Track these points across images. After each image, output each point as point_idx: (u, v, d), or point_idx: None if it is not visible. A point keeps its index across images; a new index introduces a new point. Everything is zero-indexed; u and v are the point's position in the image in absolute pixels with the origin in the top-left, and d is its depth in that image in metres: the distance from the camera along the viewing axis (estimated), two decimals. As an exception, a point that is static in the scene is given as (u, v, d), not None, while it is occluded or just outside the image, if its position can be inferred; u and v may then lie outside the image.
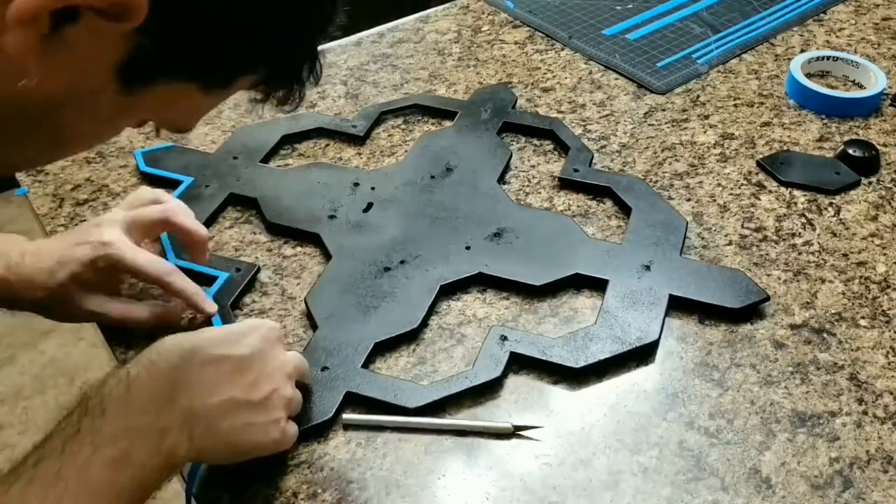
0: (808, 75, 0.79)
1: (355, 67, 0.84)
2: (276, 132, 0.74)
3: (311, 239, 0.64)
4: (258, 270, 0.61)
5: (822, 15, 0.90)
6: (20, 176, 0.72)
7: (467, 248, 0.62)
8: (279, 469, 0.49)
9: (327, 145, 0.74)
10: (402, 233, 0.63)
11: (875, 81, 0.77)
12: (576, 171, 0.69)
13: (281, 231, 0.65)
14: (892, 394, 0.53)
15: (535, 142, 0.74)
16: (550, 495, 0.48)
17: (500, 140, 0.73)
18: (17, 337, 1.61)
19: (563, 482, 0.48)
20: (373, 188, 0.67)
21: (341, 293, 0.58)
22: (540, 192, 0.69)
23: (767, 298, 0.58)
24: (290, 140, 0.74)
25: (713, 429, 0.51)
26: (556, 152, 0.73)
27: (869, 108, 0.76)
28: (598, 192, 0.68)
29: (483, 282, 0.60)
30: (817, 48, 0.85)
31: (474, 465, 0.49)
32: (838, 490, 0.48)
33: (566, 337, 0.55)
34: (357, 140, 0.74)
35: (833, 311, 0.58)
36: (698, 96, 0.79)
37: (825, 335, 0.56)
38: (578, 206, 0.67)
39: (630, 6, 0.92)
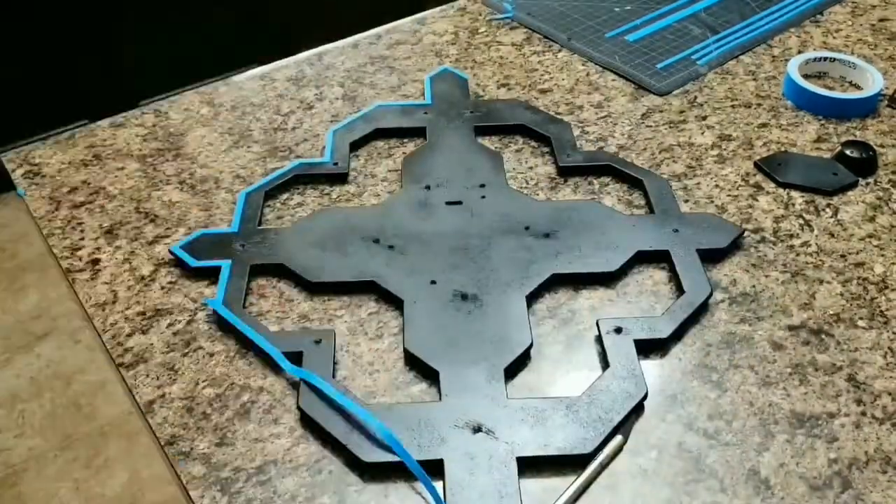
0: (805, 76, 0.79)
1: (352, 69, 0.84)
2: (258, 194, 0.68)
3: (364, 288, 0.60)
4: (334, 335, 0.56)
5: (818, 16, 0.90)
6: (17, 178, 0.72)
7: (527, 254, 0.61)
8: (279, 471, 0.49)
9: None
10: (453, 265, 0.61)
11: (872, 82, 0.77)
12: (568, 156, 0.71)
13: (327, 289, 0.60)
14: (890, 394, 0.53)
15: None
16: (553, 480, 0.47)
17: (482, 146, 0.73)
18: (14, 340, 1.60)
19: (565, 465, 0.48)
20: (392, 230, 0.64)
21: (434, 333, 0.56)
22: (549, 185, 0.69)
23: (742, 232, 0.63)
24: (273, 194, 0.69)
25: (712, 430, 0.51)
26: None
27: (866, 109, 0.76)
28: (600, 171, 0.70)
29: (560, 281, 0.60)
30: (814, 49, 0.85)
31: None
32: (837, 491, 0.48)
33: (671, 312, 0.57)
34: (340, 178, 0.70)
35: (831, 312, 0.58)
36: (696, 97, 0.79)
37: (823, 336, 0.56)
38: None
39: (628, 7, 0.93)
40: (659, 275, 0.61)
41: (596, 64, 0.84)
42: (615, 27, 0.90)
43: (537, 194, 0.68)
